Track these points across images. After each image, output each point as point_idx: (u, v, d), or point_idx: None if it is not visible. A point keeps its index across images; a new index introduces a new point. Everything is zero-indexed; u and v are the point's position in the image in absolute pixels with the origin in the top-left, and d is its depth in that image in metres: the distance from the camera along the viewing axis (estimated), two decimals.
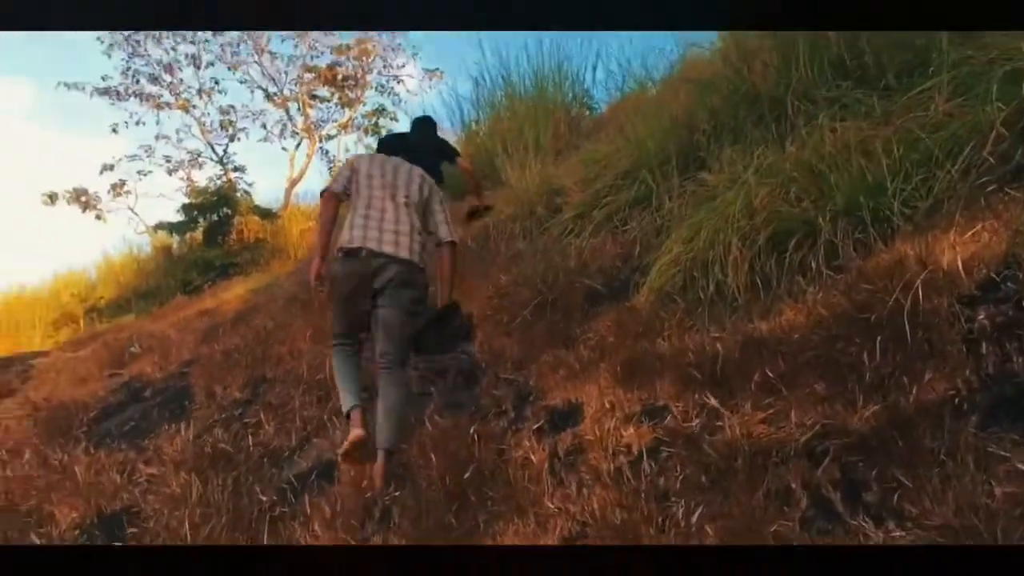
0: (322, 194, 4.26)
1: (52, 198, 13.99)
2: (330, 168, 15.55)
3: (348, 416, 3.79)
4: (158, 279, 12.71)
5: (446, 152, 6.80)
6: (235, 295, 8.33)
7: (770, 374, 2.85)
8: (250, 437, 4.13)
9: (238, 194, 14.54)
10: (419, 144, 6.22)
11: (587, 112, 9.38)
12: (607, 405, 3.33)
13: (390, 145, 5.33)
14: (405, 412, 3.83)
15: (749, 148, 4.13)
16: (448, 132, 9.21)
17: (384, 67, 15.91)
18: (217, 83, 15.24)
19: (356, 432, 3.62)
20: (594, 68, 10.52)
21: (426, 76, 15.79)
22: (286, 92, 15.69)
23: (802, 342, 2.91)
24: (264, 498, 3.32)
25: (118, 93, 14.56)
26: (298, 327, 5.67)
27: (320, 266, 4.15)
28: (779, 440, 2.51)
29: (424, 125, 7.06)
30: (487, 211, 6.53)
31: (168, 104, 15.11)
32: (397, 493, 3.08)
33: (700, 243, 3.87)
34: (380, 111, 15.94)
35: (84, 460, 4.29)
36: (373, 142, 15.30)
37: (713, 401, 2.93)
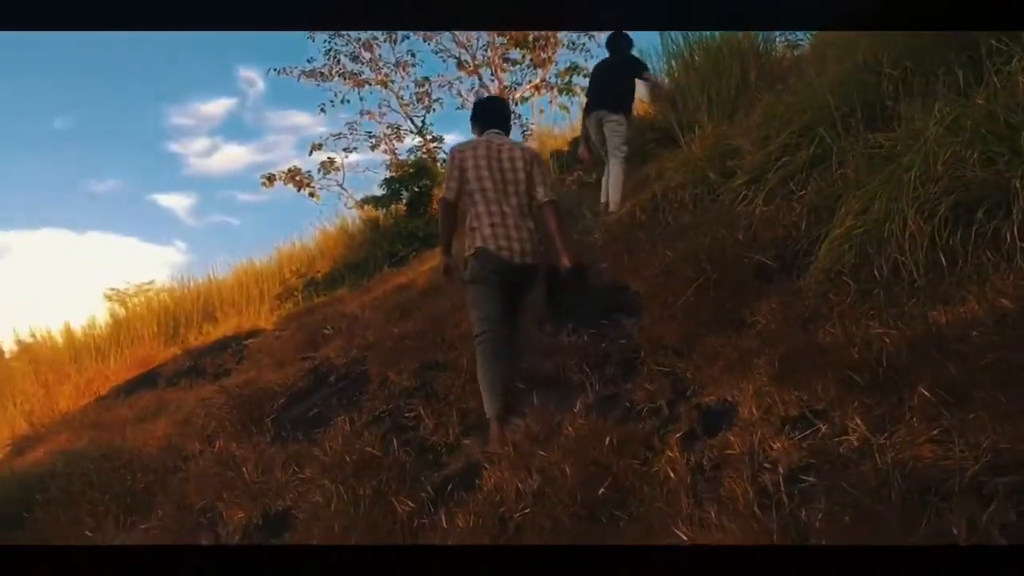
0: (441, 202, 4.36)
1: (270, 179, 15.10)
2: (523, 132, 15.59)
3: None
4: (367, 251, 13.34)
5: (636, 68, 7.29)
6: (429, 267, 8.55)
7: (942, 382, 2.44)
8: (400, 436, 4.22)
9: (439, 164, 14.95)
10: (613, 65, 7.27)
11: (785, 54, 8.59)
12: (760, 408, 3.03)
13: (597, 73, 7.34)
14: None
15: (930, 99, 3.55)
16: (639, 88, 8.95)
17: None
18: (414, 55, 15.65)
19: (496, 446, 3.82)
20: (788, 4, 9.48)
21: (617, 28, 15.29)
22: (478, 58, 15.89)
23: (984, 341, 2.47)
24: (403, 508, 3.36)
25: (322, 74, 15.36)
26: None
27: (446, 262, 4.49)
28: (945, 469, 2.14)
29: (616, 43, 7.45)
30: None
31: (368, 81, 15.77)
32: (528, 511, 3.00)
33: (874, 215, 3.42)
34: (573, 68, 15.67)
35: (252, 457, 4.58)
36: (567, 101, 15.15)
37: (871, 411, 2.57)
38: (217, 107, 31.40)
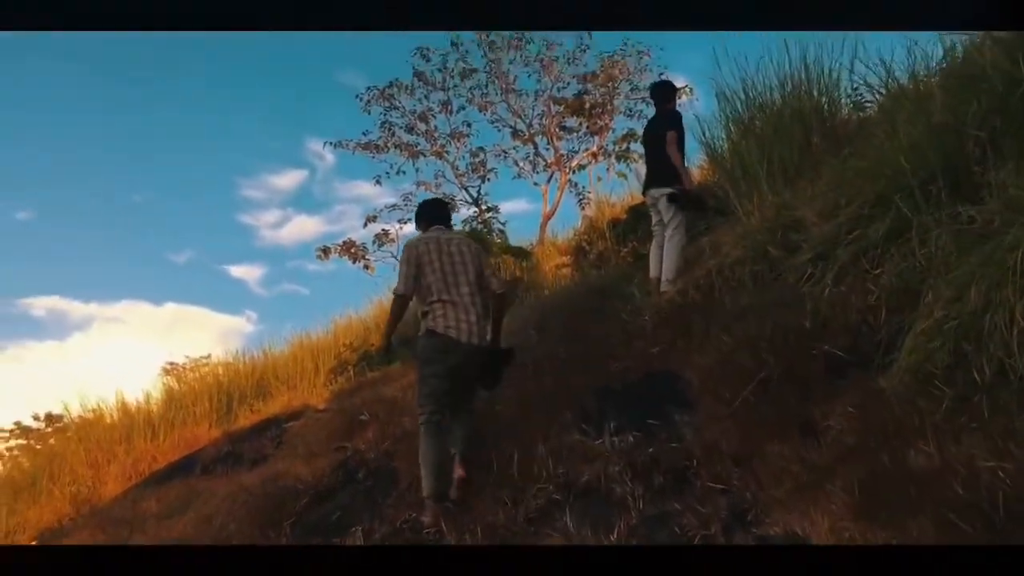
0: (394, 295, 4.75)
1: (325, 252, 14.99)
2: (580, 200, 15.22)
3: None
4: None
5: (669, 124, 6.56)
6: None
7: None
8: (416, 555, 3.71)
9: (494, 234, 14.67)
10: (654, 123, 6.81)
11: (851, 116, 8.02)
12: (835, 548, 2.44)
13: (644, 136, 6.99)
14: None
15: None
16: (696, 154, 8.54)
17: (631, 90, 15.36)
18: (469, 126, 15.55)
19: (459, 473, 4.29)
20: (850, 65, 8.84)
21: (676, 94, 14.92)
22: (533, 127, 15.70)
23: None
24: None
25: (377, 147, 15.35)
26: (506, 398, 5.24)
27: (386, 347, 5.27)
28: None
29: (658, 92, 7.18)
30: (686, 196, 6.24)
31: (424, 152, 15.70)
32: None
33: (970, 304, 2.83)
34: (630, 136, 15.33)
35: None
36: (624, 168, 14.75)
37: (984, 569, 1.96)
38: (288, 179, 32.19)
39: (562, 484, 3.98)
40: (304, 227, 31.80)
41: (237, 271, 35.46)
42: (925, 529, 2.28)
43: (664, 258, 6.16)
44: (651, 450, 3.89)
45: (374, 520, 4.50)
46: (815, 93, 7.76)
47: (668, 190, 6.16)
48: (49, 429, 19.27)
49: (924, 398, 2.87)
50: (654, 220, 6.55)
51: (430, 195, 15.56)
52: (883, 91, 7.01)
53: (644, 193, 6.72)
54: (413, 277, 4.55)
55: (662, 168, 6.35)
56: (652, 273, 6.24)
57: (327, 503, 5.18)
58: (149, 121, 31.41)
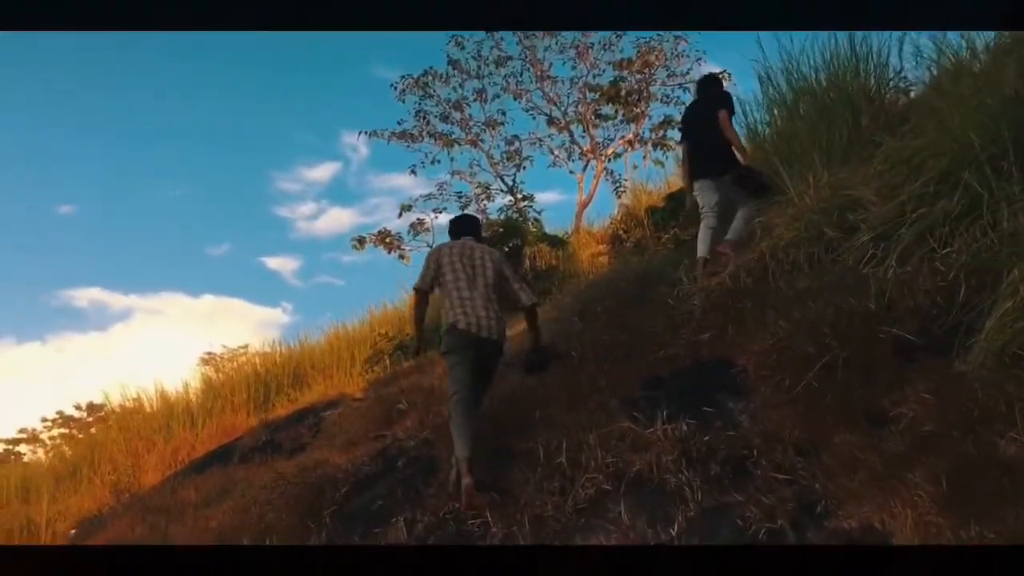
0: (414, 290, 5.20)
1: (361, 242, 14.93)
2: (616, 188, 14.99)
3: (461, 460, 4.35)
4: None
5: (719, 104, 6.49)
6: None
7: None
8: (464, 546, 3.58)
9: (529, 223, 14.50)
10: (702, 105, 6.64)
11: (898, 98, 7.73)
12: (922, 541, 2.26)
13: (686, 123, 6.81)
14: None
15: None
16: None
17: (668, 76, 15.07)
18: (504, 114, 15.37)
19: (467, 481, 4.20)
20: (900, 43, 8.49)
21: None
22: (569, 115, 15.48)
23: None
24: None
25: (412, 136, 15.24)
26: (552, 387, 5.09)
27: (419, 346, 5.88)
28: None
29: (705, 85, 7.08)
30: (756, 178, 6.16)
31: (458, 141, 15.56)
32: None
33: None
34: (667, 122, 15.04)
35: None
36: (660, 156, 14.50)
37: None
38: (323, 172, 32.33)
39: (612, 474, 3.82)
40: (339, 219, 31.96)
41: (273, 263, 35.87)
42: (1019, 518, 2.09)
43: (732, 229, 6.04)
44: (707, 438, 3.71)
45: (415, 510, 4.37)
46: (861, 74, 7.51)
47: (724, 176, 6.13)
48: (90, 418, 19.60)
49: (1012, 383, 2.66)
50: (702, 204, 6.34)
51: (465, 184, 15.47)
52: (935, 67, 6.75)
53: (694, 179, 6.49)
54: (432, 275, 4.98)
55: (714, 153, 6.23)
56: (700, 253, 6.06)
57: (367, 492, 5.07)
58: (186, 116, 31.81)
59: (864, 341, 3.59)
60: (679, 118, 14.14)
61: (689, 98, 14.34)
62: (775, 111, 8.14)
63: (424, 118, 15.32)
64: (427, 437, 5.37)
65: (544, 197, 30.70)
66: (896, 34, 8.55)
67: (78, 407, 20.46)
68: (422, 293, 5.11)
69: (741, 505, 3.09)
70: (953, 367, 3.08)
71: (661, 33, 14.41)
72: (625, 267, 8.20)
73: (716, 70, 14.66)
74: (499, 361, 5.07)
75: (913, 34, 7.74)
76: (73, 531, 9.64)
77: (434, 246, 5.33)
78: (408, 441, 5.48)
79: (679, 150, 13.36)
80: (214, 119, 33.10)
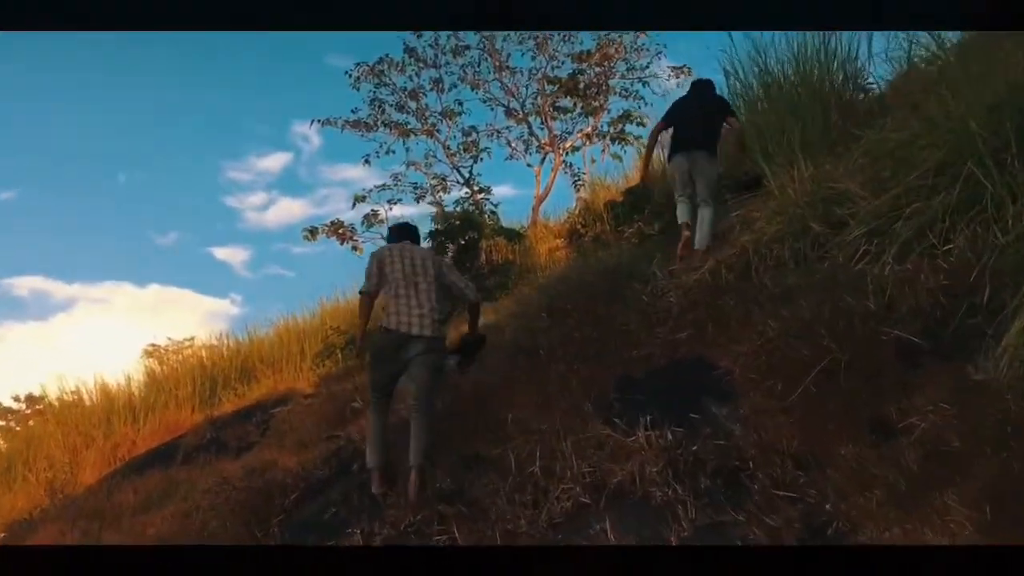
0: (360, 293, 5.20)
1: (313, 232, 14.39)
2: (575, 182, 14.73)
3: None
4: None
5: (723, 109, 6.49)
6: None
7: None
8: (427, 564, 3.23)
9: (486, 215, 14.16)
10: (703, 107, 6.46)
11: (861, 95, 7.57)
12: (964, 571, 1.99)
13: (682, 111, 6.40)
14: (431, 438, 4.59)
15: None
16: None
17: (628, 70, 14.83)
18: (461, 104, 14.97)
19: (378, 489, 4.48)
20: (869, 38, 8.29)
21: (673, 74, 14.37)
22: (527, 107, 15.16)
23: None
24: None
25: (366, 125, 14.76)
26: (519, 385, 4.77)
27: (362, 346, 5.56)
28: None
29: (701, 87, 6.81)
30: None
31: (414, 131, 15.12)
32: None
33: None
34: (626, 117, 14.80)
35: None
36: (619, 150, 14.25)
37: None
38: (273, 162, 31.56)
39: (590, 485, 3.52)
40: (289, 210, 31.21)
41: (222, 253, 34.85)
42: None
43: (699, 227, 5.79)
44: (694, 448, 3.41)
45: (372, 522, 4.01)
46: (832, 68, 7.34)
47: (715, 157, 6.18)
48: (28, 411, 18.71)
49: None
50: (680, 184, 6.11)
51: (420, 175, 15.03)
52: (922, 56, 6.58)
53: (675, 156, 6.25)
54: (376, 277, 4.98)
55: (712, 143, 6.23)
56: (699, 246, 5.79)
57: (319, 498, 4.70)
58: (134, 102, 30.74)
59: (865, 344, 3.34)
60: (638, 112, 13.99)
61: (649, 93, 14.19)
62: (741, 105, 7.95)
63: (379, 106, 14.81)
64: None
65: (501, 190, 30.33)
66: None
67: (16, 398, 19.57)
68: (369, 296, 5.11)
69: (741, 525, 2.79)
70: (968, 374, 2.83)
71: None
72: (593, 261, 7.90)
73: (676, 65, 14.54)
74: (438, 355, 4.94)
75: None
76: (1, 535, 9.06)
77: (375, 250, 5.33)
78: (363, 443, 5.09)
79: (638, 145, 13.22)
80: (163, 106, 32.03)
